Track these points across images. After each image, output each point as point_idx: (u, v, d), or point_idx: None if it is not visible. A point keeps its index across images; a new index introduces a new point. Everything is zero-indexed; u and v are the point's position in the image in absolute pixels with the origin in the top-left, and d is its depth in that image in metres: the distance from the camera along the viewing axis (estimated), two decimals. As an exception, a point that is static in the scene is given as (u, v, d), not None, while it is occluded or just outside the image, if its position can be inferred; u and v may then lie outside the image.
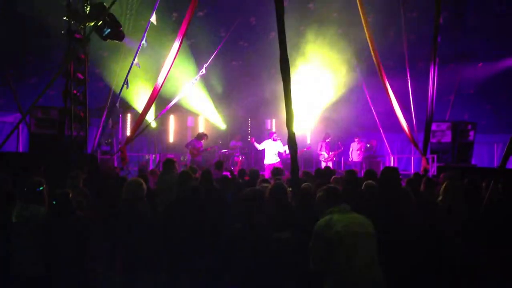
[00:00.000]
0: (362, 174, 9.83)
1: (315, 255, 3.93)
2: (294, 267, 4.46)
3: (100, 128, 12.00)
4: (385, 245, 4.15)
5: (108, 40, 10.28)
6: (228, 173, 9.06)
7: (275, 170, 8.62)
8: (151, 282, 5.70)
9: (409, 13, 13.07)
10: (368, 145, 16.54)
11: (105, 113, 12.16)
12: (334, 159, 15.75)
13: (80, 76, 10.08)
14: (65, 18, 9.73)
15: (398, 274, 4.56)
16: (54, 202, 4.94)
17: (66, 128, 9.96)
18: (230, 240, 4.41)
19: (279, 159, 13.85)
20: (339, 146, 15.88)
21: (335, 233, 3.85)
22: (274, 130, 18.77)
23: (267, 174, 11.73)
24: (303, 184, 5.91)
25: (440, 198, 5.73)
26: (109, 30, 10.06)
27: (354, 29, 13.59)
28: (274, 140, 13.81)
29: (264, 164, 14.16)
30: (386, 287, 3.98)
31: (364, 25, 11.02)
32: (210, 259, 5.24)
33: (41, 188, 5.07)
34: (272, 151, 13.79)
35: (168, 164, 8.02)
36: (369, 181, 6.27)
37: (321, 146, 15.61)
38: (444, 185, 5.79)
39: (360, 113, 16.54)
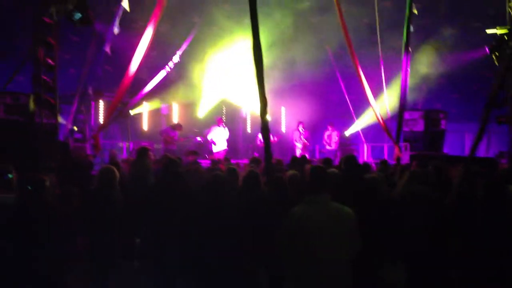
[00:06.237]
0: (337, 162, 9.95)
1: (281, 245, 3.82)
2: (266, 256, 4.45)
3: (72, 115, 11.74)
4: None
5: (78, 24, 10.00)
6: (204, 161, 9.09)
7: (253, 159, 8.65)
8: (125, 269, 5.67)
9: (383, 1, 13.13)
10: (347, 135, 16.68)
11: (76, 100, 11.90)
12: (307, 145, 15.61)
13: (50, 61, 9.82)
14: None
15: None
16: (29, 188, 4.75)
17: (36, 115, 9.70)
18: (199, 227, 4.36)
19: (226, 146, 14.36)
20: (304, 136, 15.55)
21: (304, 227, 3.68)
22: (249, 118, 18.86)
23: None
24: (290, 172, 5.90)
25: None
26: (79, 14, 9.79)
27: (328, 17, 13.67)
28: (224, 127, 14.44)
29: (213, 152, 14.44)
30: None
31: (338, 13, 11.02)
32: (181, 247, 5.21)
33: (9, 175, 4.91)
34: (220, 138, 14.26)
35: (142, 152, 7.96)
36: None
37: (295, 135, 15.52)
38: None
39: (334, 101, 16.62)
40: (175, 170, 5.68)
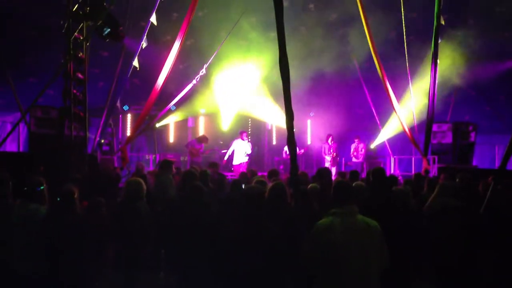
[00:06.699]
0: (363, 175, 9.86)
1: (308, 258, 3.80)
2: (294, 268, 4.37)
3: (100, 128, 11.93)
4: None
5: (107, 40, 10.20)
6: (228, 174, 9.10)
7: (272, 172, 8.60)
8: (151, 281, 5.70)
9: (410, 13, 13.04)
10: (372, 147, 16.46)
11: (105, 113, 12.10)
12: (337, 158, 15.41)
13: (80, 76, 10.01)
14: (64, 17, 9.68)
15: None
16: (58, 199, 4.85)
17: (65, 128, 9.88)
18: (228, 239, 4.36)
19: (247, 159, 14.09)
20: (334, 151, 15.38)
21: (331, 239, 3.63)
22: (274, 130, 18.82)
23: (237, 174, 11.77)
24: (310, 185, 5.90)
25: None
26: (108, 30, 9.98)
27: (354, 29, 13.65)
28: (247, 140, 14.27)
29: (232, 165, 14.34)
30: None
31: (364, 25, 11.01)
32: (207, 258, 5.19)
33: (41, 187, 5.01)
34: (242, 151, 14.01)
35: (165, 165, 8.01)
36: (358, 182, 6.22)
37: (324, 148, 15.29)
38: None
39: (360, 113, 16.50)
40: (194, 183, 5.69)
